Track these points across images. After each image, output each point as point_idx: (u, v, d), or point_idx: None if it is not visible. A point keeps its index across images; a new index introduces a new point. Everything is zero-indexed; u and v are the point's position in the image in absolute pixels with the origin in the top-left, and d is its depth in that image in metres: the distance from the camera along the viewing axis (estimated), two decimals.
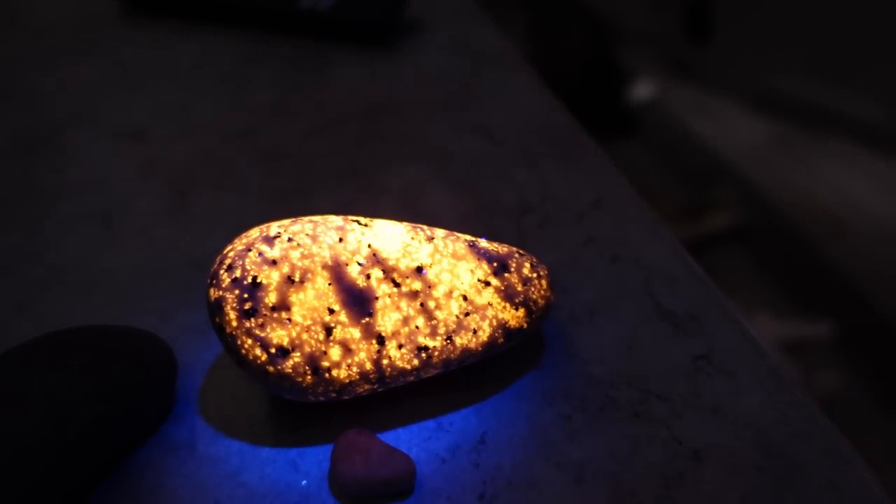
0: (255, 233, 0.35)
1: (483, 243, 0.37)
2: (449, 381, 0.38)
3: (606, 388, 0.38)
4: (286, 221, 0.36)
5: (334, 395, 0.34)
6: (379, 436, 0.36)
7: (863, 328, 1.44)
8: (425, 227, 0.37)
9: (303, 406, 0.37)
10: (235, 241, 0.35)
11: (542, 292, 0.37)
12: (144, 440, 0.36)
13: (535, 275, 0.37)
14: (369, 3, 0.69)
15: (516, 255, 0.37)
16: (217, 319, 0.33)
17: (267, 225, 0.35)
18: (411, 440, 0.36)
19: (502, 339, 0.36)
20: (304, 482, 0.34)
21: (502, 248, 0.37)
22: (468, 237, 0.37)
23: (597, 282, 0.44)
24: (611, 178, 0.52)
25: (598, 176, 0.52)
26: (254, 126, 0.58)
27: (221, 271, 0.34)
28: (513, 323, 0.36)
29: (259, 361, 0.33)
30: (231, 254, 0.34)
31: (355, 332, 0.34)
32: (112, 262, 0.46)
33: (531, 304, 0.37)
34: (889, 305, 1.46)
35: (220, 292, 0.33)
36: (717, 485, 0.33)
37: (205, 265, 0.46)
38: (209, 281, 0.34)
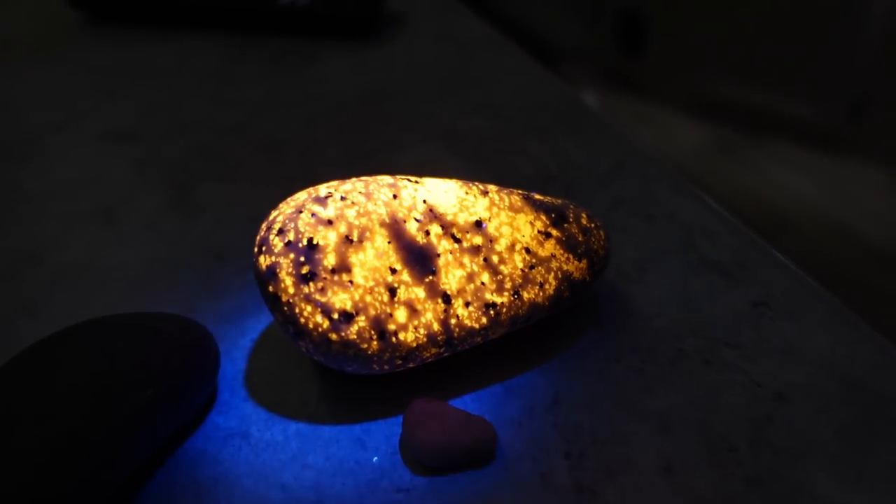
0: (302, 195, 0.33)
1: (537, 196, 0.36)
2: (508, 345, 0.36)
3: (672, 339, 0.36)
4: (334, 182, 0.33)
5: (400, 362, 0.32)
6: None
7: None
8: (477, 182, 0.35)
9: (358, 381, 0.35)
10: (282, 204, 0.33)
11: (602, 242, 0.36)
12: (193, 429, 0.33)
13: (592, 225, 0.36)
14: None
15: (571, 207, 0.36)
16: (271, 288, 0.31)
17: (314, 187, 0.33)
18: (482, 406, 0.34)
19: (567, 293, 0.34)
20: (375, 458, 0.32)
21: (556, 200, 0.36)
22: (521, 191, 0.36)
23: (637, 240, 0.42)
24: (628, 144, 0.51)
25: (615, 143, 0.51)
26: (248, 119, 0.56)
27: (272, 236, 0.31)
28: (577, 275, 0.34)
29: (321, 329, 0.30)
30: (280, 218, 0.32)
31: (420, 292, 0.32)
32: (121, 257, 0.43)
33: (593, 254, 0.35)
34: (835, 290, 1.49)
35: (273, 258, 0.31)
36: (808, 422, 0.32)
37: (225, 253, 0.43)
38: (257, 249, 0.32)
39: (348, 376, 0.35)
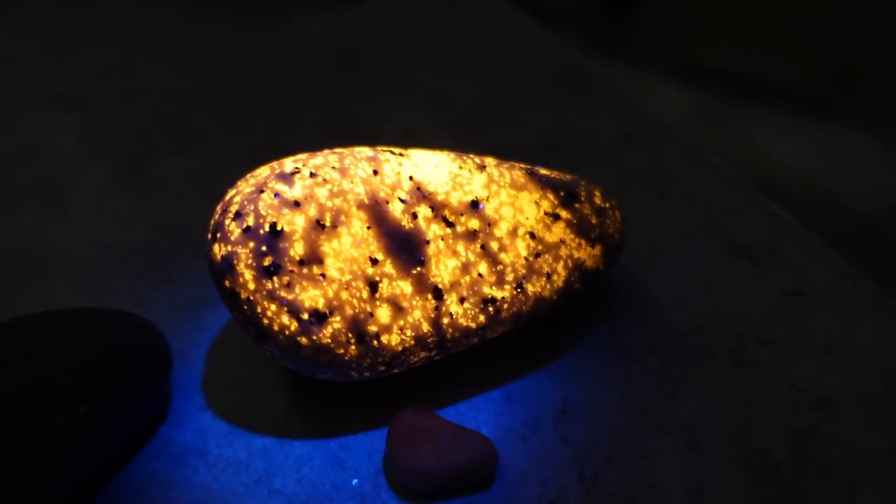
0: (263, 171, 0.27)
1: (542, 170, 0.31)
2: (509, 345, 0.31)
3: (696, 335, 0.32)
4: (302, 156, 0.28)
5: (383, 368, 0.27)
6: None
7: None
8: (473, 155, 0.30)
9: (335, 388, 0.30)
10: (240, 182, 0.27)
11: (618, 225, 0.31)
12: (141, 447, 0.28)
13: (607, 205, 0.31)
14: None
15: (583, 183, 0.31)
16: (227, 283, 0.26)
17: (279, 161, 0.28)
18: (478, 417, 0.29)
19: (579, 285, 0.29)
20: (356, 481, 0.27)
21: (565, 176, 0.31)
22: (523, 165, 0.31)
23: (651, 219, 0.38)
24: (634, 110, 0.46)
25: (620, 109, 0.46)
26: (211, 84, 0.50)
27: (227, 221, 0.26)
28: (590, 263, 0.29)
29: (288, 332, 0.25)
30: (238, 199, 0.26)
31: (406, 286, 0.27)
32: (64, 240, 0.37)
33: (608, 239, 0.30)
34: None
35: (229, 247, 0.26)
36: (859, 434, 0.28)
37: (183, 235, 0.37)
38: (210, 236, 0.26)
39: (323, 382, 0.30)
